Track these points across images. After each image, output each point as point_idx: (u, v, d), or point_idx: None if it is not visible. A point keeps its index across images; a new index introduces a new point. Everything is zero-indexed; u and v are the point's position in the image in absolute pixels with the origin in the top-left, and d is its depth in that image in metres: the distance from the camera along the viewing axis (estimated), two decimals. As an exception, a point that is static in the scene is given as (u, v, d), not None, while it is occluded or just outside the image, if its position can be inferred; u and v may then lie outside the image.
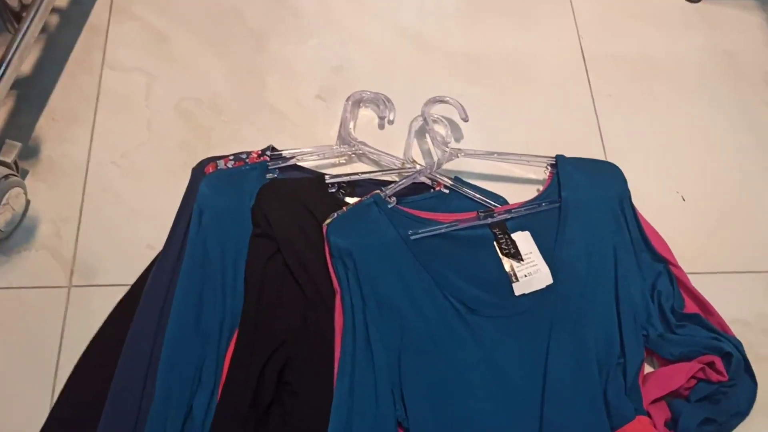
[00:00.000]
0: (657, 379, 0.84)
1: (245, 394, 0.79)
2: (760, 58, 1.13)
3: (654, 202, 0.98)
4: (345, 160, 0.99)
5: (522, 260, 0.89)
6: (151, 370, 0.81)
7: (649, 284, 0.90)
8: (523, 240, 0.90)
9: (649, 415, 0.81)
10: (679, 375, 0.83)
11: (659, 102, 1.09)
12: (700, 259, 0.96)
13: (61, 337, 0.85)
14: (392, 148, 0.98)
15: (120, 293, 0.86)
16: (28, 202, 0.92)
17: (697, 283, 0.90)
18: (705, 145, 1.06)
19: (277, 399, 0.80)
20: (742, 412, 0.85)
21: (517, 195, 0.96)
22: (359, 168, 0.99)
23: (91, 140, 0.97)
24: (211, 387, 0.80)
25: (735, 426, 0.85)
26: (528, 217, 0.92)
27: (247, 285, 0.86)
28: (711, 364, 0.84)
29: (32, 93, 1.00)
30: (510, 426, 0.80)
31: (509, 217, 0.92)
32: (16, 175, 0.88)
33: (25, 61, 0.99)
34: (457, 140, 1.02)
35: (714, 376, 0.83)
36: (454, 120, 1.01)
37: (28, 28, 0.87)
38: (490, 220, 0.91)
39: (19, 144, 0.88)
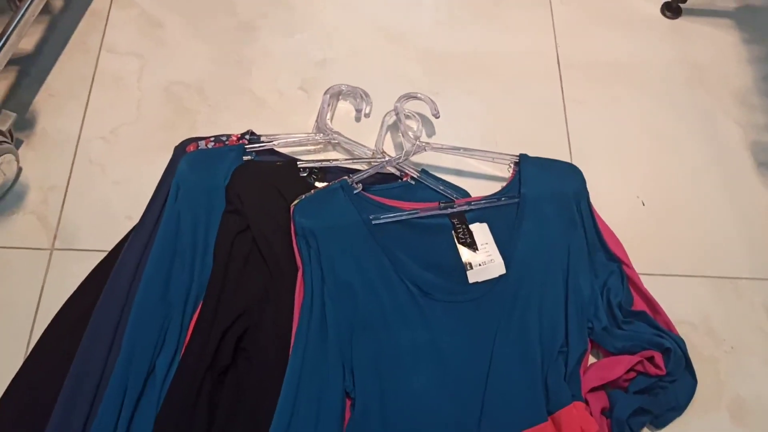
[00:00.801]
0: (597, 369, 0.88)
1: (205, 356, 0.84)
2: (729, 73, 1.17)
3: (614, 205, 1.02)
4: (320, 147, 1.04)
5: (477, 250, 0.93)
6: (119, 330, 0.86)
7: (600, 282, 0.94)
8: (480, 231, 0.95)
9: (587, 402, 0.85)
10: (618, 366, 0.87)
11: (627, 110, 1.13)
12: (653, 262, 1.00)
13: (40, 296, 0.91)
14: (366, 140, 1.03)
15: (98, 258, 0.92)
16: (20, 169, 0.98)
17: (648, 284, 0.94)
18: (667, 154, 1.10)
19: (234, 364, 0.85)
20: (679, 407, 0.89)
21: (480, 190, 1.00)
22: (333, 156, 1.04)
23: (83, 116, 1.04)
24: (174, 349, 0.85)
25: (671, 420, 0.89)
26: (487, 210, 0.97)
27: (216, 257, 0.91)
28: (651, 359, 0.88)
29: (32, 70, 1.07)
30: (452, 405, 0.84)
31: (469, 208, 0.96)
32: (9, 143, 0.94)
33: (27, 40, 1.06)
34: (429, 135, 1.07)
35: (652, 370, 0.87)
36: (426, 116, 1.06)
37: (28, 7, 0.93)
38: (449, 210, 0.96)
39: (14, 114, 0.95)
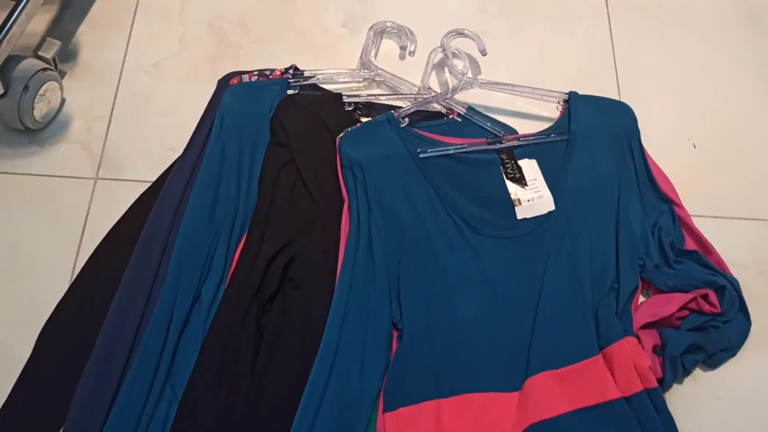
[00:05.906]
0: (649, 306, 0.86)
1: (251, 284, 0.83)
2: (784, 15, 1.14)
3: (665, 146, 0.99)
4: (364, 84, 1.02)
5: (526, 185, 0.91)
6: (165, 256, 0.86)
7: (651, 221, 0.92)
8: (529, 167, 0.93)
9: (639, 339, 0.84)
10: (671, 303, 0.85)
11: (677, 49, 1.10)
12: (704, 204, 0.97)
13: (85, 223, 0.90)
14: (411, 79, 1.01)
15: (141, 188, 0.92)
16: (63, 99, 0.97)
17: (699, 226, 0.92)
18: (719, 95, 1.07)
19: (280, 292, 0.85)
20: (733, 347, 0.87)
21: (528, 130, 0.98)
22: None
23: (126, 48, 1.03)
24: (220, 275, 0.85)
25: (724, 361, 0.87)
26: (536, 146, 0.95)
27: (261, 187, 0.90)
28: (705, 297, 0.86)
29: (76, 2, 1.06)
30: (500, 337, 0.82)
31: (518, 144, 0.94)
32: (53, 70, 0.93)
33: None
34: (475, 75, 1.05)
35: (706, 308, 0.85)
36: (472, 55, 1.03)
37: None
38: (498, 146, 0.94)
39: (58, 42, 0.94)
